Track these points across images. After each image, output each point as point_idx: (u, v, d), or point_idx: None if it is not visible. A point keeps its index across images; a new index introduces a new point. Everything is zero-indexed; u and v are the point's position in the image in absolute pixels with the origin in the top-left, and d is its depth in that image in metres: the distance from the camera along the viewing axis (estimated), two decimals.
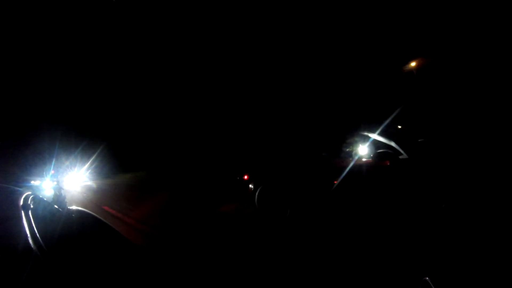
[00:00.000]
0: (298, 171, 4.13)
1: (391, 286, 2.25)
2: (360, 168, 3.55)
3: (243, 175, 4.50)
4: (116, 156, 12.20)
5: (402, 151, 3.35)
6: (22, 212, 1.25)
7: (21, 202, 1.39)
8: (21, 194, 1.56)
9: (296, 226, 3.69)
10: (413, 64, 10.27)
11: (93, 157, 10.55)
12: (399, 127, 4.24)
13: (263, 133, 11.18)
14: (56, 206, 2.07)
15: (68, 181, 8.14)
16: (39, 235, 1.04)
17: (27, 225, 1.10)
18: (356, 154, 3.67)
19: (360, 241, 3.01)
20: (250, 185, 4.26)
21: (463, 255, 2.48)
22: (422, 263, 2.42)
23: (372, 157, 3.44)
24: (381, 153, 3.37)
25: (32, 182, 5.82)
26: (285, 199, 3.92)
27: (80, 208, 1.99)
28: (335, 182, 3.55)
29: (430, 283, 1.05)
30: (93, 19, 14.62)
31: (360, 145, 3.67)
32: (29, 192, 1.69)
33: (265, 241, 3.32)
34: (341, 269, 2.54)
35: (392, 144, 3.41)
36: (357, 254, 2.78)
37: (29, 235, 1.00)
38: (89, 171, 10.02)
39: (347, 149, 3.84)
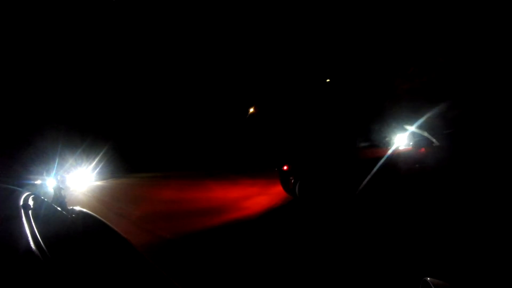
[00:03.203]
0: (338, 160, 4.49)
1: (391, 286, 2.25)
2: (401, 154, 4.16)
3: (283, 166, 4.77)
4: (125, 156, 12.10)
5: (434, 140, 4.03)
6: (22, 212, 1.25)
7: (21, 202, 1.39)
8: (21, 194, 1.56)
9: (339, 215, 4.04)
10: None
11: (100, 156, 10.43)
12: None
13: (301, 126, 11.30)
14: (56, 207, 2.07)
15: (72, 180, 8.08)
16: (39, 235, 1.04)
17: (27, 225, 1.10)
18: (396, 143, 4.29)
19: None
20: (291, 178, 4.56)
21: (464, 254, 2.49)
22: (422, 263, 2.44)
23: (411, 145, 4.14)
24: (418, 141, 4.07)
25: (34, 181, 5.82)
26: (326, 190, 4.28)
27: (80, 209, 1.99)
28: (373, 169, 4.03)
29: (430, 283, 1.05)
30: (94, 18, 14.61)
31: (399, 136, 4.36)
32: (29, 192, 1.69)
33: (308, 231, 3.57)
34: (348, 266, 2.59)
35: (425, 134, 4.07)
36: (360, 252, 2.82)
37: (29, 235, 1.00)
38: (96, 170, 9.91)
39: (388, 139, 4.44)
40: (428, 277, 1.08)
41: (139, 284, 1.21)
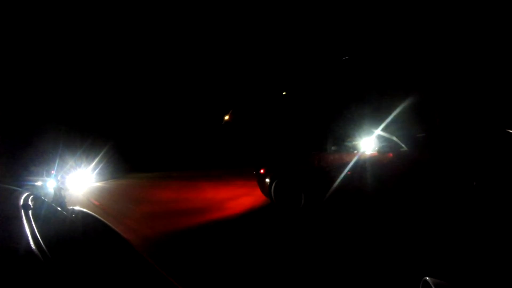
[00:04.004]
0: (309, 164, 4.49)
1: (391, 286, 2.25)
2: (366, 160, 4.01)
3: (260, 169, 4.84)
4: (126, 156, 12.08)
5: (402, 145, 3.83)
6: (22, 212, 1.25)
7: (21, 202, 1.39)
8: (21, 194, 1.56)
9: (310, 216, 4.18)
10: None
11: (100, 157, 10.40)
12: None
13: (276, 130, 11.39)
14: (56, 207, 2.07)
15: (72, 181, 8.07)
16: (39, 235, 1.04)
17: (27, 225, 1.10)
18: (362, 148, 4.11)
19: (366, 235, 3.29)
20: (266, 179, 4.62)
21: (464, 254, 2.50)
22: (422, 263, 2.44)
23: (377, 150, 3.90)
24: (385, 146, 3.85)
25: (34, 182, 5.82)
26: (299, 192, 4.35)
27: (80, 209, 1.99)
28: (348, 173, 4.02)
29: (430, 283, 1.05)
30: (94, 18, 14.62)
31: (366, 140, 4.14)
32: (29, 192, 1.69)
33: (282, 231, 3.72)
34: (344, 266, 2.59)
35: (394, 138, 3.88)
36: (360, 252, 2.84)
37: (29, 235, 1.00)
38: (96, 171, 9.88)
39: (355, 144, 4.28)
40: (428, 276, 1.08)
41: (139, 284, 1.21)
